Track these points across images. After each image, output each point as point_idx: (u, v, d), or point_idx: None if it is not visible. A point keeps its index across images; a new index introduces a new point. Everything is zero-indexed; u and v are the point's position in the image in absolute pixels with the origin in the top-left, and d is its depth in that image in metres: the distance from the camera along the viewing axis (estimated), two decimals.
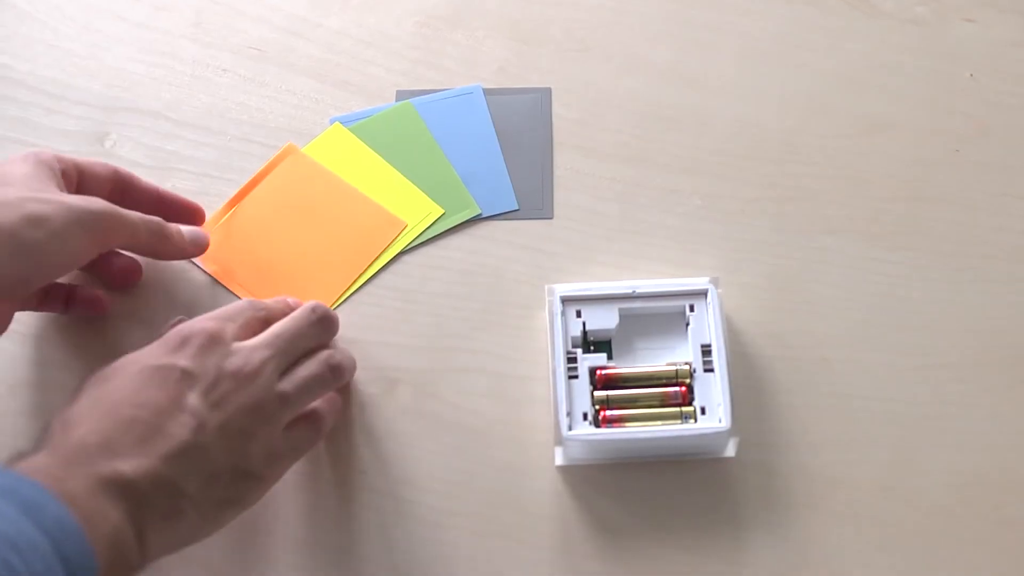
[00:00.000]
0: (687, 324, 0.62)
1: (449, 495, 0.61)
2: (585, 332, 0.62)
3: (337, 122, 0.73)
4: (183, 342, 0.53)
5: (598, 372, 0.60)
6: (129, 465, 0.48)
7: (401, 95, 0.74)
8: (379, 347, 0.65)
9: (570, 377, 0.60)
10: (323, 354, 0.58)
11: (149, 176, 0.71)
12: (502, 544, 0.60)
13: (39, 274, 0.57)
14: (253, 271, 0.68)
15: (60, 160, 0.60)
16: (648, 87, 0.74)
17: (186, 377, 0.52)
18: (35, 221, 0.54)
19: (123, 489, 0.48)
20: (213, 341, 0.54)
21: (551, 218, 0.69)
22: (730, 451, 0.60)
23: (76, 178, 0.61)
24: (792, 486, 0.60)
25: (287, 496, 0.61)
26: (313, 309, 0.58)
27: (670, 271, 0.66)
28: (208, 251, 0.66)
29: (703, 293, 0.62)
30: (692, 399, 0.59)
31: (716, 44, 0.75)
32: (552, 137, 0.72)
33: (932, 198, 0.69)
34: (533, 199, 0.70)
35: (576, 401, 0.59)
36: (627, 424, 0.59)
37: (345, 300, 0.67)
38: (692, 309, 0.62)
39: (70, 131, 0.73)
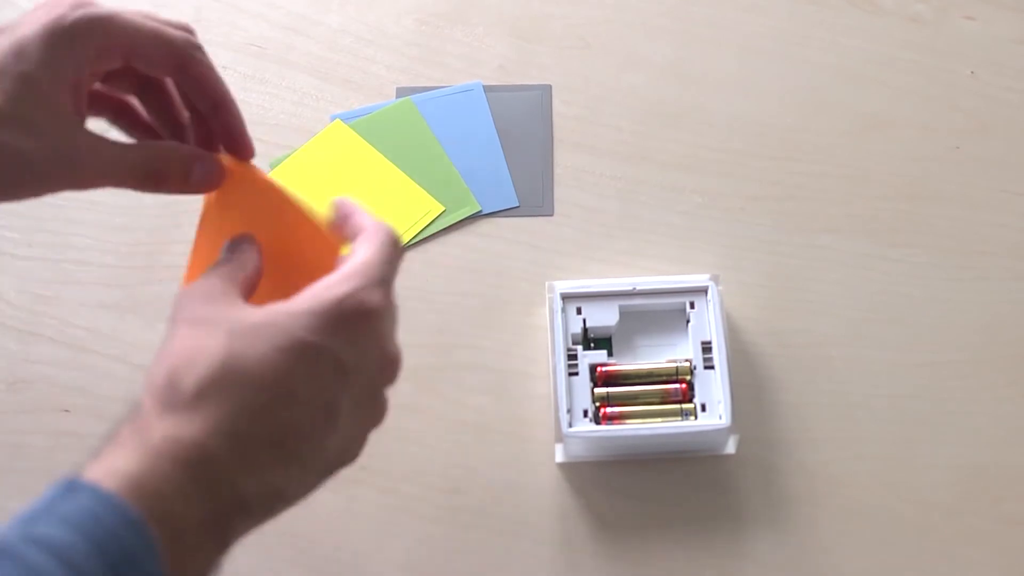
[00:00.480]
0: (687, 321, 0.62)
1: (450, 491, 0.61)
2: (585, 329, 0.62)
3: (338, 119, 0.73)
4: (345, 320, 0.42)
5: (598, 369, 0.60)
6: (253, 487, 0.41)
7: (401, 92, 0.74)
8: None
9: (570, 374, 0.60)
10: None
11: None
12: (503, 540, 0.60)
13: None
14: None
15: (106, 36, 0.48)
16: (648, 84, 0.74)
17: (340, 373, 0.42)
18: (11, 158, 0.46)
19: (238, 512, 0.41)
20: (381, 326, 0.44)
21: (551, 215, 0.69)
22: (730, 448, 0.60)
23: (118, 61, 0.49)
24: (792, 483, 0.60)
25: None
26: (392, 239, 0.47)
27: (670, 269, 0.66)
28: None
29: (703, 290, 0.62)
30: (692, 396, 0.59)
31: (717, 41, 0.75)
32: (552, 134, 0.72)
33: (932, 195, 0.69)
34: (533, 196, 0.70)
35: (576, 398, 0.59)
36: (627, 421, 0.59)
37: None
38: (692, 306, 0.62)
39: None
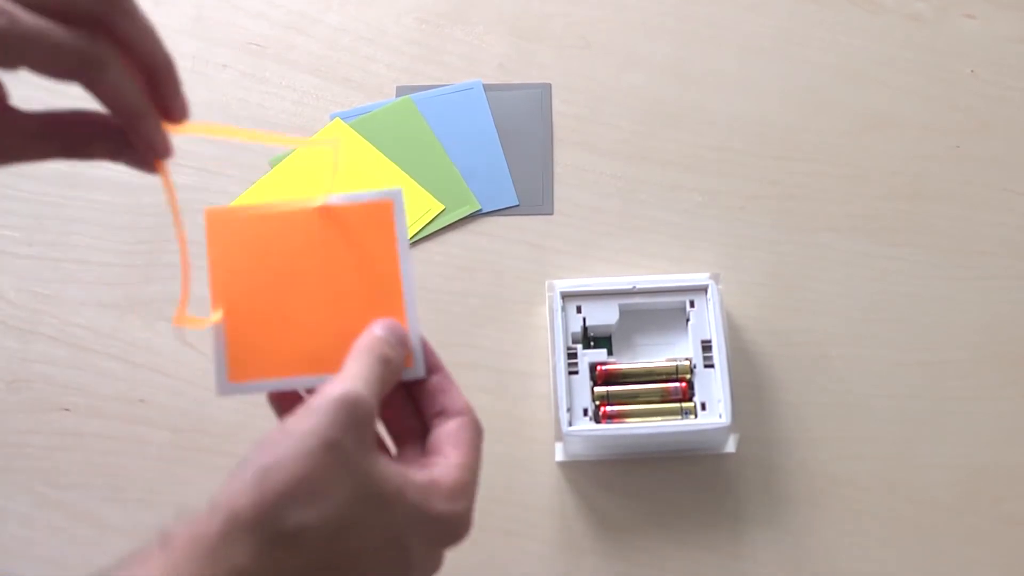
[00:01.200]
0: (687, 320, 0.62)
1: None
2: (585, 328, 0.62)
3: (337, 118, 0.73)
4: (450, 536, 0.44)
5: (598, 368, 0.60)
6: None
7: (401, 91, 0.74)
8: None
9: (570, 373, 0.60)
10: None
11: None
12: (502, 539, 0.60)
13: None
14: None
15: None
16: (649, 83, 0.73)
17: (404, 563, 0.42)
18: None
19: None
20: (457, 538, 0.45)
21: (551, 214, 0.69)
22: (730, 447, 0.60)
23: None
24: (792, 482, 0.60)
25: None
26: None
27: (670, 267, 0.66)
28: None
29: (703, 289, 0.62)
30: (692, 395, 0.59)
31: (717, 40, 0.75)
32: (552, 133, 0.72)
33: (933, 194, 0.69)
34: (533, 195, 0.70)
35: (576, 397, 0.59)
36: (627, 420, 0.59)
37: None
38: (692, 305, 0.62)
39: None
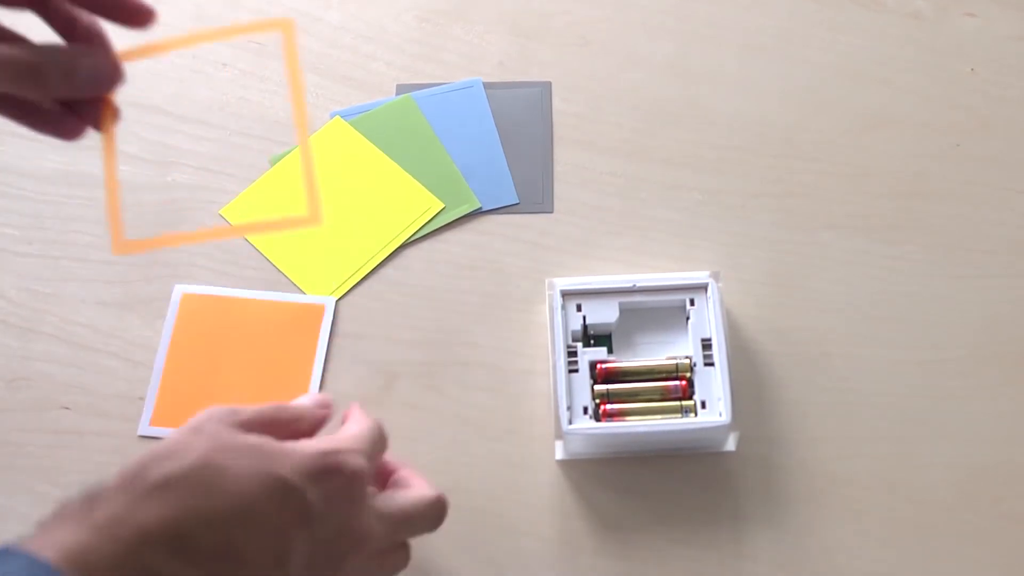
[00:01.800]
0: (687, 318, 0.62)
1: (449, 489, 0.61)
2: (585, 326, 0.62)
3: (337, 116, 0.73)
4: (327, 473, 0.46)
5: (598, 366, 0.60)
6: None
7: (401, 89, 0.74)
8: (379, 341, 0.65)
9: (570, 371, 0.60)
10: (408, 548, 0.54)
11: (149, 170, 0.71)
12: (502, 538, 0.60)
13: None
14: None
15: None
16: (649, 81, 0.73)
17: (303, 517, 0.44)
18: None
19: None
20: (353, 488, 0.47)
21: (551, 212, 0.69)
22: (730, 445, 0.60)
23: None
24: (792, 480, 0.60)
25: None
26: (439, 500, 0.53)
27: (670, 266, 0.66)
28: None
29: (703, 287, 0.62)
30: (692, 393, 0.59)
31: (717, 38, 0.75)
32: (552, 131, 0.72)
33: (933, 193, 0.69)
34: (533, 193, 0.70)
35: (576, 395, 0.59)
36: (627, 418, 0.59)
37: (348, 292, 0.67)
38: (692, 303, 0.62)
39: None
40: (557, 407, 0.58)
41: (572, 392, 0.59)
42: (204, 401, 0.60)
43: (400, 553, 0.53)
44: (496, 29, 0.76)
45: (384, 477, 0.55)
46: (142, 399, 0.64)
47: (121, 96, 0.74)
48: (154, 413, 0.63)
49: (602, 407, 0.59)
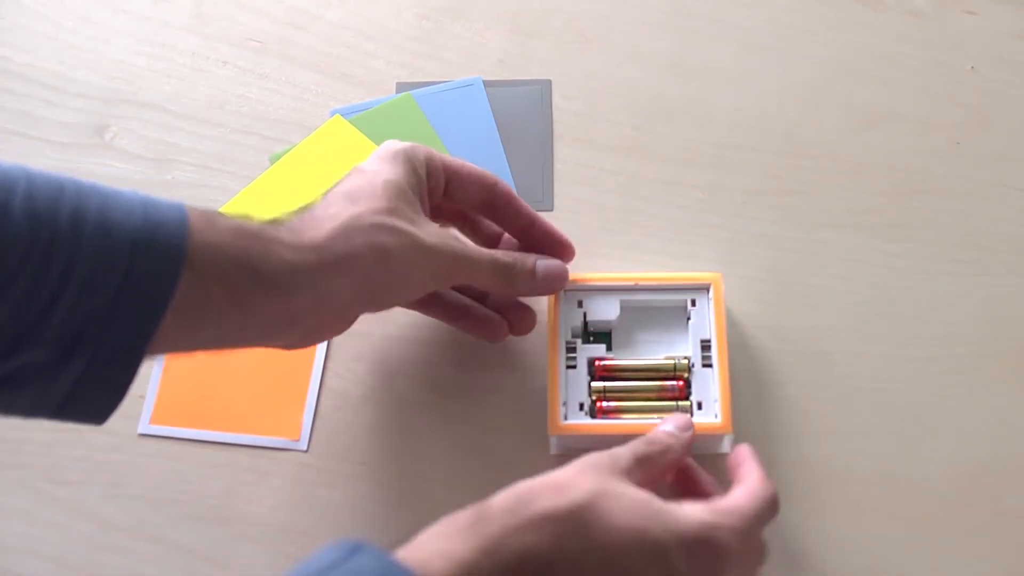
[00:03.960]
0: (688, 318, 0.62)
1: (447, 485, 0.61)
2: (585, 323, 0.62)
3: (337, 114, 0.73)
4: (701, 546, 0.46)
5: (597, 363, 0.60)
6: None
7: (401, 87, 0.74)
8: (379, 339, 0.65)
9: (568, 367, 0.60)
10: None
11: (149, 169, 0.71)
12: None
13: (371, 304, 0.55)
14: None
15: (430, 161, 0.57)
16: (649, 79, 0.73)
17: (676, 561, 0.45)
18: (379, 254, 0.51)
19: None
20: (720, 563, 0.46)
21: (551, 210, 0.69)
22: (725, 447, 0.60)
23: (443, 184, 0.58)
24: (792, 478, 0.60)
25: (287, 488, 0.61)
26: (775, 499, 0.51)
27: (670, 264, 0.66)
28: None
29: (706, 288, 0.61)
30: (689, 394, 0.59)
31: (717, 36, 0.75)
32: (552, 129, 0.72)
33: (933, 190, 0.69)
34: (533, 191, 0.70)
35: (573, 391, 0.59)
36: (623, 416, 0.59)
37: None
38: (694, 304, 0.61)
39: (70, 123, 0.73)
40: (553, 403, 0.58)
41: (568, 388, 0.59)
42: (204, 400, 0.63)
43: (755, 557, 0.51)
44: (496, 27, 0.76)
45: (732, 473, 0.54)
46: (142, 397, 0.64)
47: (121, 93, 0.74)
48: (154, 411, 0.63)
49: (598, 404, 0.59)
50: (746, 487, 0.51)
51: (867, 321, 0.65)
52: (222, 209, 0.69)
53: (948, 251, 0.67)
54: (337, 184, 0.54)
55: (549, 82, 0.74)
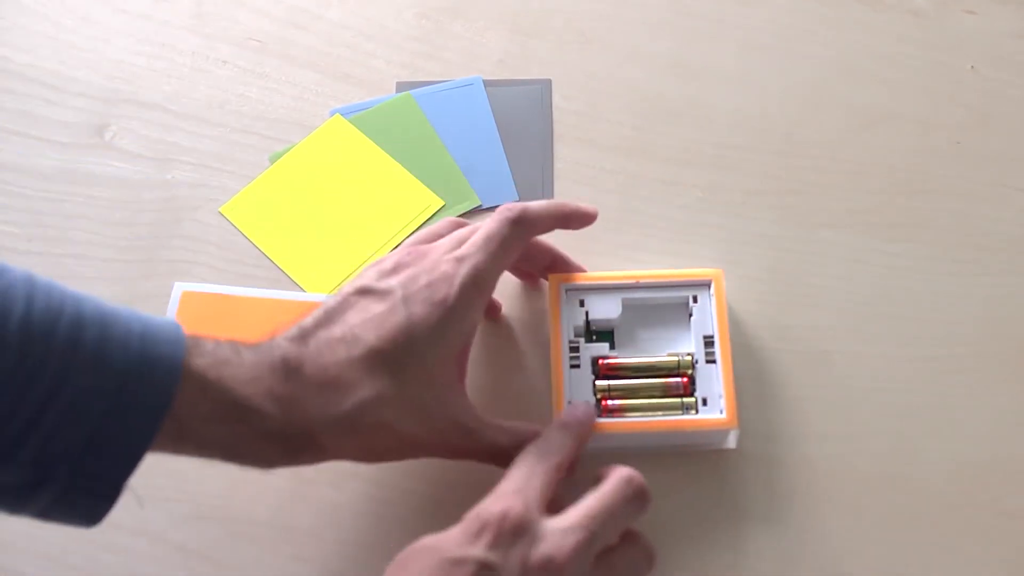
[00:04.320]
0: (690, 315, 0.62)
1: (449, 485, 0.61)
2: (588, 321, 0.62)
3: (337, 114, 0.73)
4: (482, 529, 0.47)
5: (600, 362, 0.60)
6: None
7: (401, 87, 0.74)
8: None
9: (572, 367, 0.60)
10: (641, 541, 0.53)
11: (149, 168, 0.71)
12: None
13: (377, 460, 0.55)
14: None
15: (485, 287, 0.55)
16: (649, 79, 0.73)
17: (484, 572, 0.46)
18: (370, 448, 0.53)
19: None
20: (517, 527, 0.47)
21: None
22: (731, 443, 0.60)
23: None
24: (794, 477, 0.60)
25: (285, 487, 0.61)
26: (628, 481, 0.51)
27: (671, 263, 0.66)
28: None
29: (707, 284, 0.61)
30: (693, 390, 0.59)
31: (717, 35, 0.75)
32: (552, 129, 0.72)
33: (933, 190, 0.69)
34: (533, 191, 0.70)
35: (577, 391, 0.59)
36: (628, 414, 0.59)
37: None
38: (695, 300, 0.61)
39: (70, 123, 0.73)
40: (558, 403, 0.58)
41: (573, 388, 0.59)
42: None
43: (630, 553, 0.52)
44: (496, 26, 0.76)
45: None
46: None
47: (121, 93, 0.74)
48: None
49: (604, 403, 0.59)
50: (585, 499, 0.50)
51: (867, 321, 0.65)
52: (222, 209, 0.69)
53: (948, 251, 0.67)
54: (359, 297, 0.53)
55: (549, 82, 0.74)
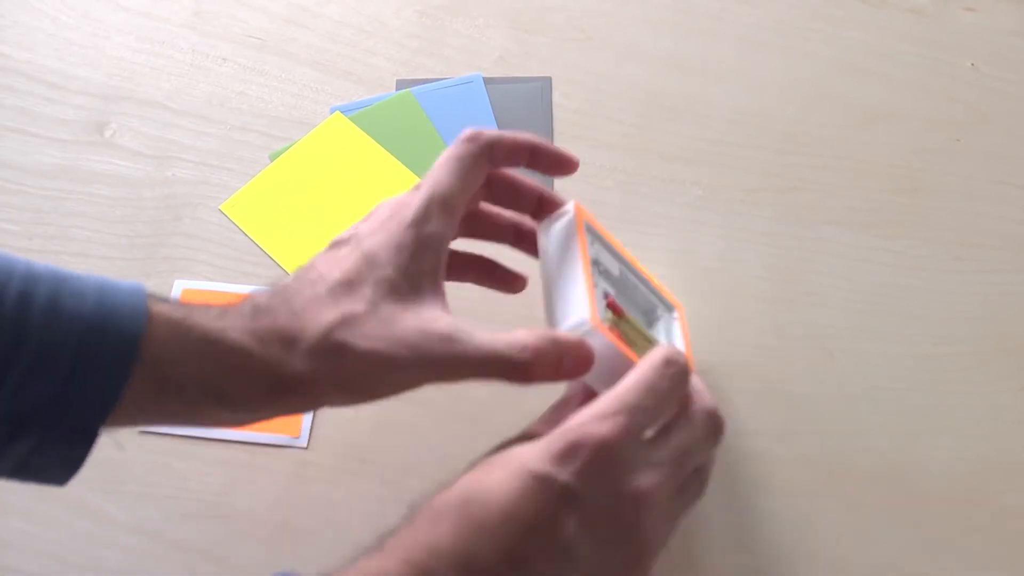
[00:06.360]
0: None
1: (449, 482, 0.61)
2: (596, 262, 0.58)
3: (337, 111, 0.73)
4: (572, 451, 0.44)
5: (608, 298, 0.56)
6: None
7: (401, 84, 0.74)
8: None
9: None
10: (706, 471, 0.50)
11: (149, 166, 0.71)
12: None
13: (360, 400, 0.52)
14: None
15: (452, 207, 0.52)
16: (649, 76, 0.73)
17: (567, 498, 0.43)
18: (344, 382, 0.49)
19: None
20: (608, 457, 0.44)
21: None
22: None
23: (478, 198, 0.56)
24: (793, 474, 0.60)
25: (286, 484, 0.61)
26: (709, 415, 0.48)
27: (671, 260, 0.66)
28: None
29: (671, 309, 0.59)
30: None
31: (717, 33, 0.75)
32: (552, 126, 0.72)
33: (933, 187, 0.69)
34: None
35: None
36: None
37: None
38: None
39: (69, 120, 0.73)
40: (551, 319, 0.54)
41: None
42: None
43: (694, 483, 0.50)
44: (496, 24, 0.76)
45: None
46: None
47: (121, 90, 0.74)
48: None
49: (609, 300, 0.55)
50: (636, 367, 0.47)
51: (867, 318, 0.65)
52: (222, 207, 0.69)
53: (948, 248, 0.67)
54: (326, 251, 0.52)
55: (549, 79, 0.74)
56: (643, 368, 0.47)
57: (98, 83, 0.74)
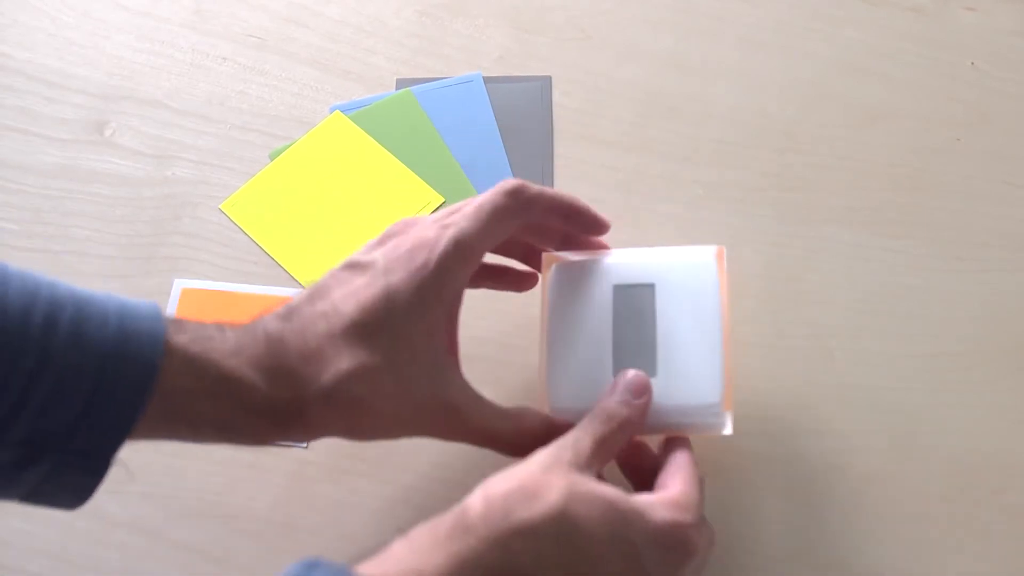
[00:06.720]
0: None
1: (449, 483, 0.61)
2: None
3: (337, 110, 0.73)
4: (674, 547, 0.47)
5: None
6: None
7: (401, 83, 0.74)
8: None
9: None
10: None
11: (149, 165, 0.71)
12: None
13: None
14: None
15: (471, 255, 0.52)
16: (649, 75, 0.73)
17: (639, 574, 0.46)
18: (353, 425, 0.51)
19: None
20: (687, 562, 0.48)
21: None
22: (727, 429, 0.55)
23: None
24: (792, 474, 0.60)
25: (286, 484, 0.61)
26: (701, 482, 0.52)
27: None
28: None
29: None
30: None
31: (717, 32, 0.75)
32: (552, 125, 0.72)
33: (933, 187, 0.69)
34: None
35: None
36: None
37: None
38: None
39: (69, 120, 0.73)
40: (546, 383, 0.56)
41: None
42: None
43: (710, 544, 0.52)
44: (496, 23, 0.76)
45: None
46: None
47: (121, 90, 0.74)
48: None
49: None
50: (684, 474, 0.50)
51: (867, 317, 0.65)
52: (222, 206, 0.69)
53: (948, 248, 0.67)
54: (342, 273, 0.51)
55: (549, 78, 0.74)
56: (691, 464, 0.51)
57: (98, 82, 0.74)
